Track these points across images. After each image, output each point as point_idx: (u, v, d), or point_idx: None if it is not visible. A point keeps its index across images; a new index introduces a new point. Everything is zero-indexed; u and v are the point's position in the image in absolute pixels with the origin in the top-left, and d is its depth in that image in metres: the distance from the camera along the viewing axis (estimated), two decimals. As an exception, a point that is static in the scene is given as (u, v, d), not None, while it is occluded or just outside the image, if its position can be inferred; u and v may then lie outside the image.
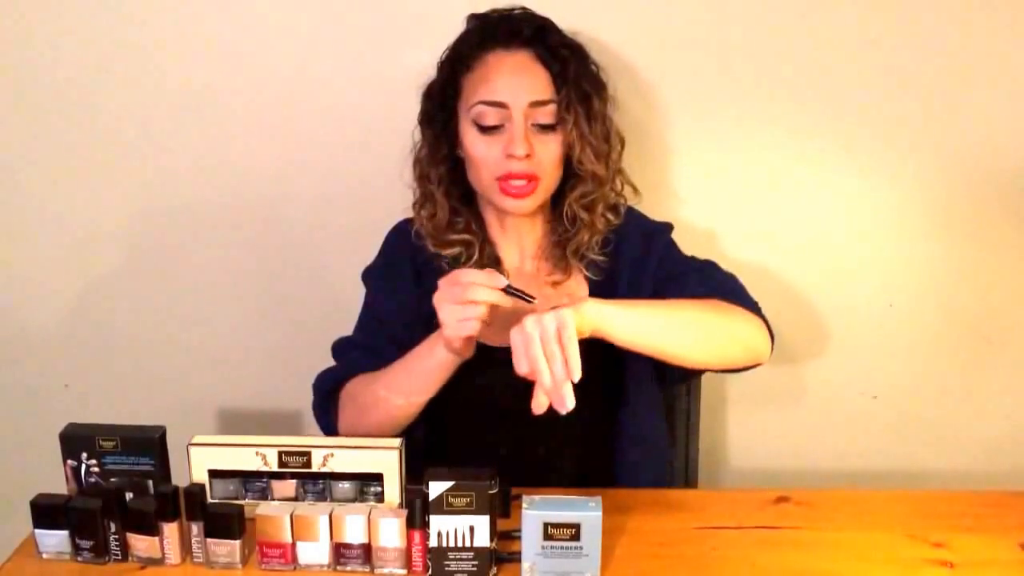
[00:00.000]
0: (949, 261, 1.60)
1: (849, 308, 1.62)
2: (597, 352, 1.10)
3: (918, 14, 1.46)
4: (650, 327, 1.14)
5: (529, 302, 1.09)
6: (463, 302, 1.10)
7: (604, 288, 1.31)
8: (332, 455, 1.13)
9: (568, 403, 1.02)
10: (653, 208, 1.42)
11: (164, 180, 1.60)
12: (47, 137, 1.59)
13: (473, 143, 1.26)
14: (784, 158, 1.55)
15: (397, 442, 1.14)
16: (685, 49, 1.49)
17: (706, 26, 1.48)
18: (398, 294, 1.34)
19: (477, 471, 1.06)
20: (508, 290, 1.11)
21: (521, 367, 1.03)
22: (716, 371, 1.28)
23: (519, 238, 1.36)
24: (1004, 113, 1.51)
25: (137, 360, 1.70)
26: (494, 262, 1.33)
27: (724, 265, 1.34)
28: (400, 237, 1.39)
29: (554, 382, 1.02)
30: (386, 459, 1.13)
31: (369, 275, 1.40)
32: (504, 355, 1.19)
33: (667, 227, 1.38)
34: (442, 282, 1.14)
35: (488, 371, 1.22)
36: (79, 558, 1.12)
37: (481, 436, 1.33)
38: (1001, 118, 1.52)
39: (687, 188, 1.57)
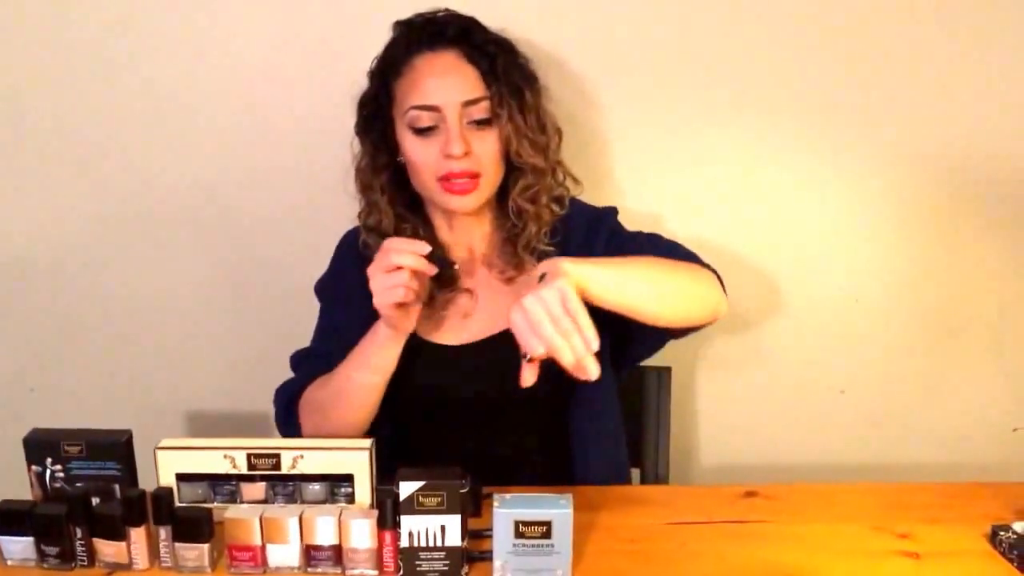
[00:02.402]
0: (914, 257, 1.62)
1: (816, 304, 1.64)
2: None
3: (880, 4, 1.48)
4: (623, 281, 1.13)
5: (451, 268, 1.11)
6: (388, 269, 1.12)
7: None
8: (302, 457, 1.12)
9: (593, 372, 1.01)
10: (595, 199, 1.42)
11: (130, 184, 1.59)
12: (10, 140, 1.57)
13: (411, 147, 1.26)
14: (734, 149, 1.56)
15: (367, 443, 1.14)
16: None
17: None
18: (350, 304, 1.33)
19: (448, 470, 1.05)
20: (431, 256, 1.13)
21: (536, 349, 1.01)
22: (676, 330, 1.26)
23: (468, 238, 1.36)
24: (970, 114, 1.54)
25: (103, 364, 1.69)
26: (446, 264, 1.33)
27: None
28: (348, 248, 1.39)
29: (575, 357, 1.01)
30: (356, 460, 1.13)
31: (321, 287, 1.41)
32: (453, 353, 1.19)
33: (612, 211, 1.39)
34: (376, 255, 1.16)
35: (438, 370, 1.22)
36: (45, 564, 1.11)
37: (444, 434, 1.33)
38: (968, 119, 1.54)
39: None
